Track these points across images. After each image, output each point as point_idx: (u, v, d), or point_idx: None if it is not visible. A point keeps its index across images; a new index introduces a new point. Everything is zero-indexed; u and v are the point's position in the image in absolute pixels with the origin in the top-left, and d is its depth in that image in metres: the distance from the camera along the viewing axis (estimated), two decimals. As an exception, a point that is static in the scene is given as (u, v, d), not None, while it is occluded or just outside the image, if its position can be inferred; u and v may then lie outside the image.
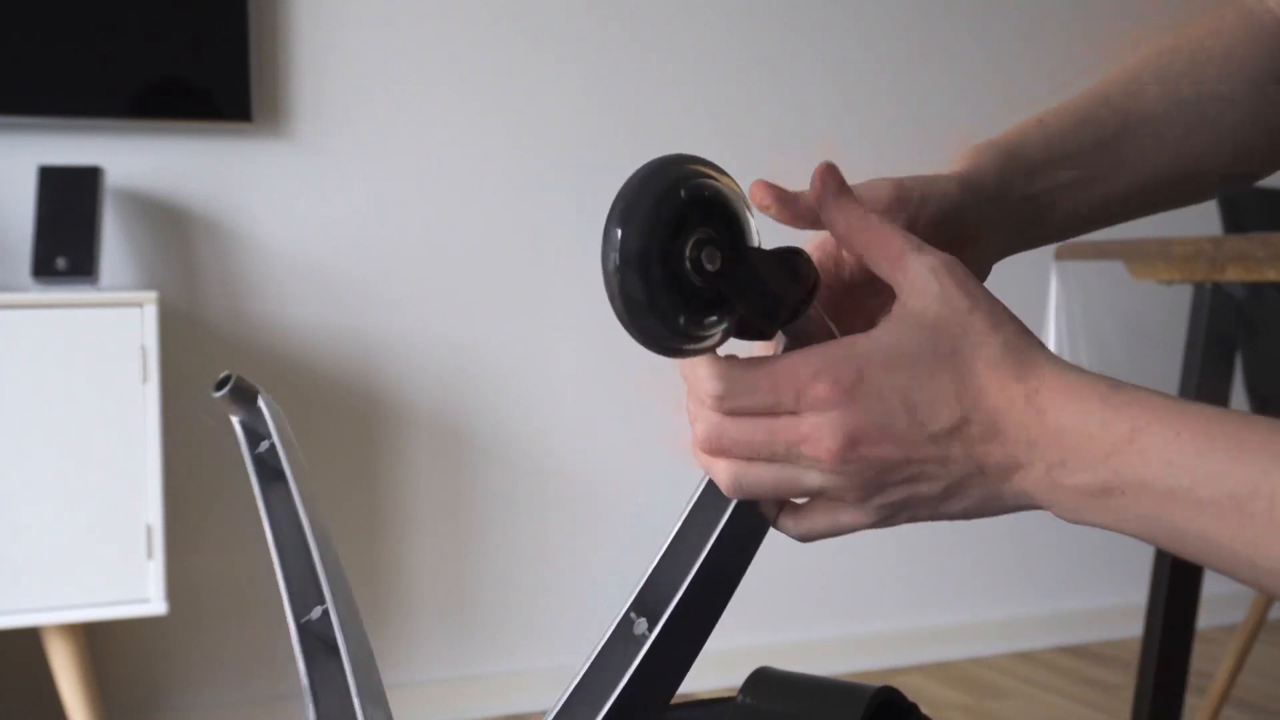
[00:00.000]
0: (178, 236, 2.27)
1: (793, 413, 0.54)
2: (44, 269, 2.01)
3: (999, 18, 2.82)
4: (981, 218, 0.65)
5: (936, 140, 2.75)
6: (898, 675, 2.66)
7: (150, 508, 1.88)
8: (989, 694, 2.56)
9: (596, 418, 2.51)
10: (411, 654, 2.42)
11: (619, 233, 0.51)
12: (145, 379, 1.88)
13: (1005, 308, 0.56)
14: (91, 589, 1.87)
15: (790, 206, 0.60)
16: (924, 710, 0.62)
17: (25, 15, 2.11)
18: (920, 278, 0.54)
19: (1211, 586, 1.90)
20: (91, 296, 1.90)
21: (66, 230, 2.03)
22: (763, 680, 0.63)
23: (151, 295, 1.90)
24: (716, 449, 0.56)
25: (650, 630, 0.53)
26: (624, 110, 2.53)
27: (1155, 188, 0.72)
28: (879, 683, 0.60)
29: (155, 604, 1.89)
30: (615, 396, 2.50)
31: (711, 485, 0.58)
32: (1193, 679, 1.83)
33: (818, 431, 0.53)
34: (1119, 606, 2.89)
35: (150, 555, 1.88)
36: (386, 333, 2.38)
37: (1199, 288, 1.72)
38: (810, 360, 0.54)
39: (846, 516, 0.57)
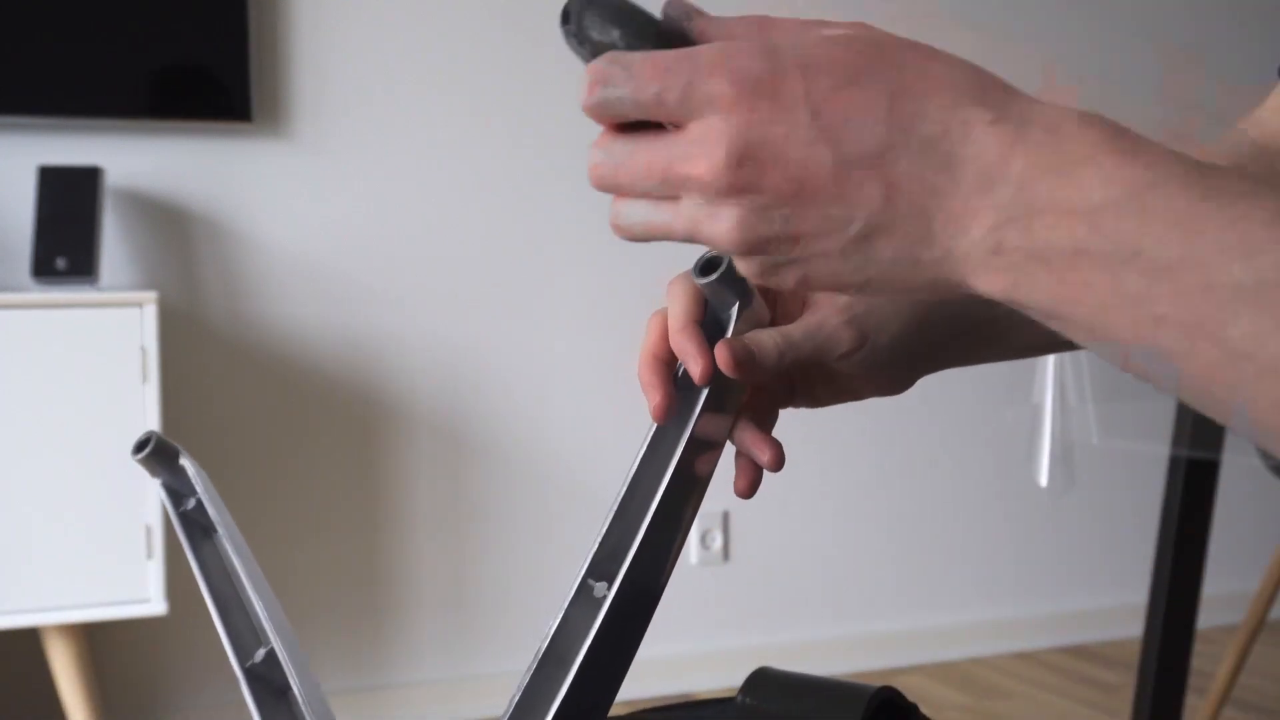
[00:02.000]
0: (178, 236, 2.27)
1: (677, 122, 0.44)
2: (44, 269, 2.01)
3: (997, 15, 2.82)
4: (939, 331, 0.61)
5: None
6: (898, 675, 2.66)
7: (150, 508, 1.88)
8: (989, 694, 2.56)
9: (596, 417, 2.51)
10: (411, 654, 2.42)
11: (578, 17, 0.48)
12: (145, 379, 1.88)
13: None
14: (91, 589, 1.87)
15: (754, 372, 0.57)
16: (924, 710, 0.62)
17: (25, 15, 2.11)
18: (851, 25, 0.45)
19: (1212, 587, 1.90)
20: (91, 296, 1.90)
21: (66, 230, 2.03)
22: (763, 680, 0.63)
23: (151, 295, 1.90)
24: (602, 180, 0.46)
25: (609, 590, 0.55)
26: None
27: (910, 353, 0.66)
28: (879, 683, 0.60)
29: (155, 604, 1.89)
30: (615, 396, 2.50)
31: (653, 444, 0.59)
32: (1193, 679, 1.83)
33: (702, 139, 0.42)
34: (1119, 606, 2.89)
35: (150, 555, 1.88)
36: (386, 333, 2.38)
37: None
38: (713, 49, 0.43)
39: (711, 231, 0.44)
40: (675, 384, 0.59)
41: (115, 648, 2.22)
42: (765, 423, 0.62)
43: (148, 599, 1.89)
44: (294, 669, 0.60)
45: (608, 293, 2.50)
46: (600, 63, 0.45)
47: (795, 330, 0.59)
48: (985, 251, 0.41)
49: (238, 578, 0.64)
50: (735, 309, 0.58)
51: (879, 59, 0.42)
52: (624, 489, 0.59)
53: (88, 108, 2.16)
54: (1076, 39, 2.88)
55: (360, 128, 2.36)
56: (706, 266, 0.56)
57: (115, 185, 2.21)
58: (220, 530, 0.65)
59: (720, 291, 0.57)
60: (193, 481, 0.66)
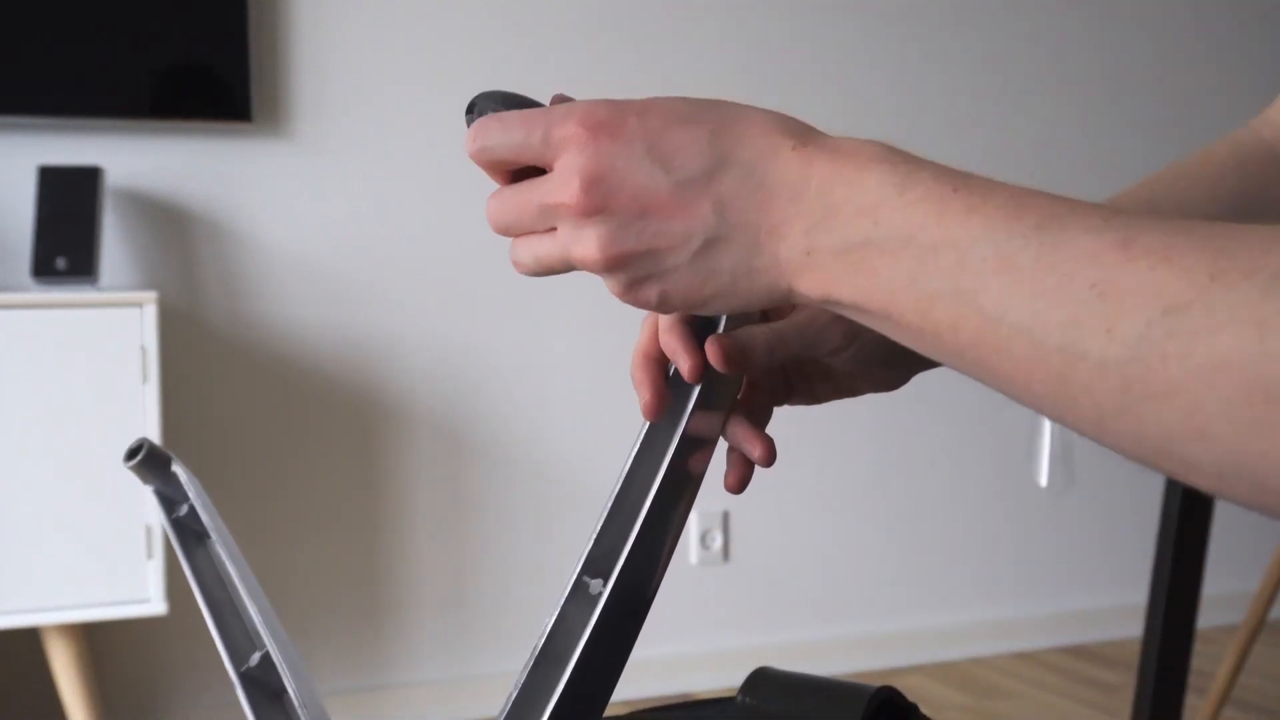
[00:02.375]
0: (178, 236, 2.27)
1: (545, 164, 0.52)
2: (44, 269, 2.01)
3: (997, 15, 2.82)
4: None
5: (936, 138, 2.76)
6: (898, 675, 2.66)
7: (150, 508, 1.88)
8: (989, 694, 2.56)
9: (596, 417, 2.51)
10: (411, 654, 2.42)
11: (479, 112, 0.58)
12: (145, 379, 1.88)
13: None
14: (91, 589, 1.87)
15: (741, 365, 0.58)
16: (924, 710, 0.62)
17: (25, 15, 2.11)
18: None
19: (1212, 587, 1.90)
20: (91, 296, 1.90)
21: (66, 230, 2.03)
22: (763, 680, 0.63)
23: (151, 295, 1.90)
24: (496, 223, 0.55)
25: (605, 587, 0.56)
26: (624, 110, 2.53)
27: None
28: (879, 683, 0.60)
29: (155, 604, 1.89)
30: (615, 396, 2.50)
31: (646, 441, 0.60)
32: (1193, 679, 1.84)
33: (563, 172, 0.51)
34: (1119, 606, 2.89)
35: (150, 555, 1.88)
36: (386, 333, 2.38)
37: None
38: (568, 104, 0.53)
39: (579, 252, 0.52)
40: (667, 382, 0.60)
41: (115, 648, 2.22)
42: (760, 419, 0.63)
43: (148, 599, 1.89)
44: (289, 672, 0.60)
45: (607, 293, 2.50)
46: (481, 120, 0.56)
47: (785, 326, 0.60)
48: (801, 253, 0.48)
49: (231, 582, 0.64)
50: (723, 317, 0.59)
51: (704, 106, 0.52)
52: (618, 487, 0.60)
53: (88, 108, 2.16)
54: (1076, 39, 2.87)
55: (360, 128, 2.36)
56: None
57: (115, 185, 2.21)
58: (213, 536, 0.65)
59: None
60: (185, 488, 0.66)
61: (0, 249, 2.16)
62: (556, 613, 0.58)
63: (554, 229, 0.53)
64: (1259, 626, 2.08)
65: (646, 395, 0.59)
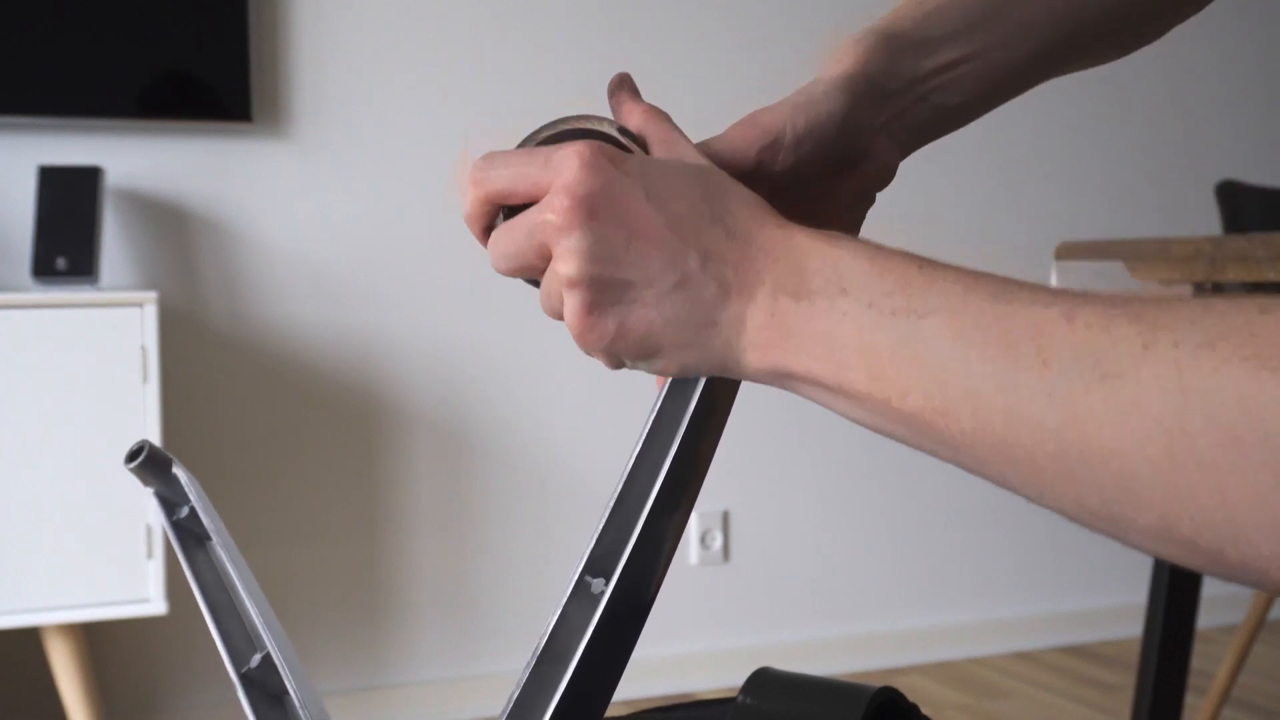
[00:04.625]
0: (178, 236, 2.27)
1: (544, 190, 0.53)
2: (44, 269, 2.01)
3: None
4: (875, 116, 0.63)
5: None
6: (898, 675, 2.66)
7: (151, 508, 1.88)
8: (989, 694, 2.56)
9: (596, 417, 2.51)
10: (411, 654, 2.42)
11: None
12: (145, 379, 1.88)
13: None
14: (91, 589, 1.87)
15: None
16: (924, 710, 0.62)
17: (26, 15, 2.11)
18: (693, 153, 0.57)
19: (1212, 587, 1.90)
20: (91, 296, 1.90)
21: (66, 230, 2.03)
22: (763, 680, 0.63)
23: (151, 295, 1.90)
24: (498, 259, 0.56)
25: (606, 586, 0.56)
26: (624, 110, 2.53)
27: (1049, 55, 0.68)
28: (879, 683, 0.60)
29: (155, 604, 1.89)
30: (615, 396, 2.50)
31: (648, 441, 0.60)
32: (1193, 679, 1.84)
33: (557, 191, 0.52)
34: (1119, 606, 2.89)
35: (150, 555, 1.88)
36: (386, 333, 2.38)
37: (1199, 288, 1.72)
38: (574, 143, 0.53)
39: (563, 268, 0.53)
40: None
41: (115, 648, 2.22)
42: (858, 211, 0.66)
43: (148, 599, 1.89)
44: (290, 673, 0.60)
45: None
46: (485, 154, 0.57)
47: (701, 147, 0.61)
48: (765, 314, 0.50)
49: (232, 584, 0.65)
50: None
51: (700, 171, 0.54)
52: (620, 486, 0.60)
53: (88, 108, 2.16)
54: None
55: (360, 128, 2.36)
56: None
57: (115, 185, 2.21)
58: (214, 538, 0.65)
59: None
60: (185, 490, 0.66)
61: (0, 249, 2.16)
62: (558, 612, 0.58)
63: (545, 247, 0.53)
64: (1259, 626, 2.08)
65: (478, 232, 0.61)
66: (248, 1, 2.22)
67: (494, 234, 0.56)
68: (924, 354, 0.45)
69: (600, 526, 0.59)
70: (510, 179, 0.55)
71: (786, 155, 0.61)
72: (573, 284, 0.52)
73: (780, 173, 0.61)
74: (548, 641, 0.57)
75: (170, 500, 0.67)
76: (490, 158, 0.56)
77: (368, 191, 2.37)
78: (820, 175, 0.63)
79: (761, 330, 0.50)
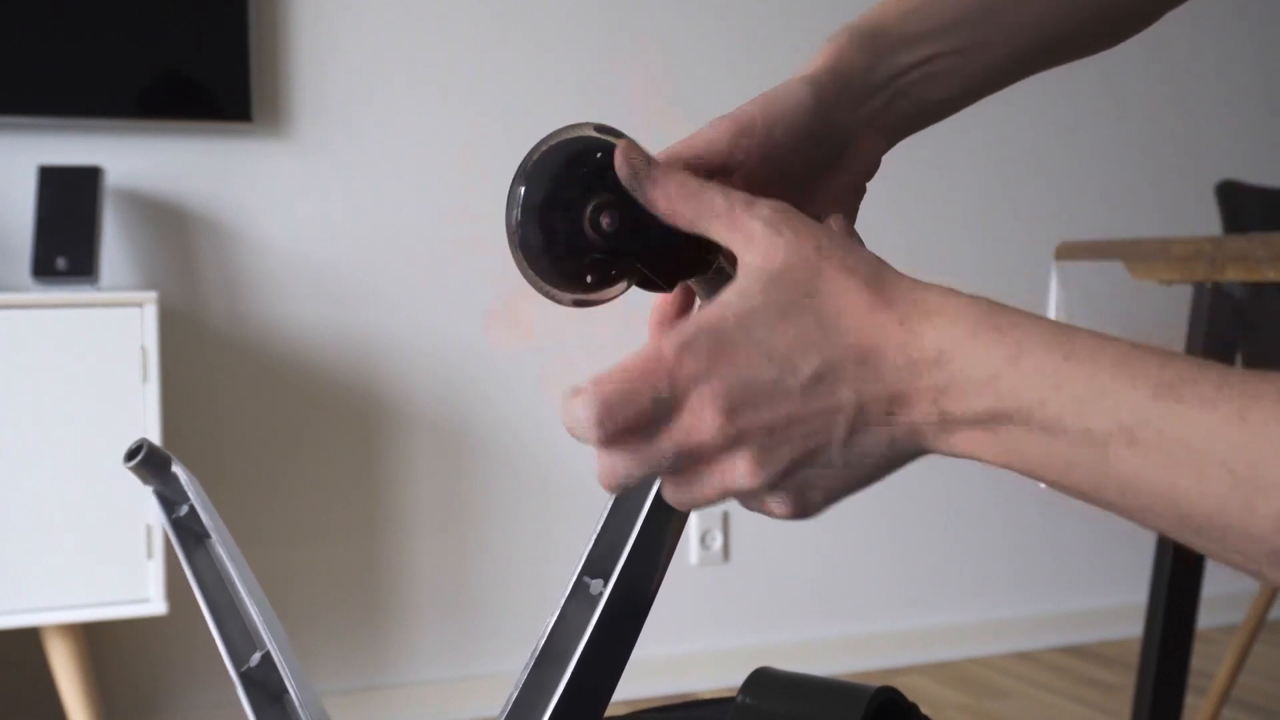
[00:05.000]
0: (178, 236, 2.27)
1: (672, 408, 0.50)
2: (44, 269, 2.01)
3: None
4: (853, 111, 0.63)
5: (936, 139, 2.75)
6: (898, 675, 2.66)
7: (150, 508, 1.87)
8: (989, 694, 2.56)
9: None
10: (411, 654, 2.42)
11: (522, 190, 0.57)
12: (145, 379, 1.88)
13: (853, 242, 0.53)
14: (91, 589, 1.87)
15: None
16: (924, 710, 0.62)
17: (26, 15, 2.11)
18: (758, 233, 0.52)
19: (1211, 587, 1.90)
20: (91, 296, 1.90)
21: (66, 230, 2.03)
22: (763, 680, 0.63)
23: (151, 295, 1.90)
24: (627, 480, 0.52)
25: (605, 587, 0.56)
26: (624, 110, 2.53)
27: (1031, 51, 0.68)
28: (879, 683, 0.60)
29: (155, 604, 1.89)
30: (615, 396, 2.50)
31: None
32: (1193, 679, 1.83)
33: (699, 410, 0.50)
34: (1119, 606, 2.89)
35: (150, 555, 1.88)
36: (386, 333, 2.38)
37: (1199, 288, 1.72)
38: (667, 342, 0.51)
39: (737, 483, 0.51)
40: None
41: (115, 648, 2.22)
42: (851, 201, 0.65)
43: (148, 599, 1.89)
44: (289, 672, 0.60)
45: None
46: (583, 394, 0.51)
47: (676, 147, 0.60)
48: (936, 423, 0.49)
49: (231, 583, 0.64)
50: None
51: (788, 291, 0.51)
52: None
53: (88, 108, 2.16)
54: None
55: (360, 128, 2.36)
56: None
57: (115, 185, 2.21)
58: (213, 536, 0.65)
59: (712, 285, 0.59)
60: (185, 489, 0.66)
61: (0, 249, 2.16)
62: (557, 613, 0.58)
63: (696, 467, 0.51)
64: (1259, 626, 2.08)
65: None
66: (248, 2, 2.22)
67: (615, 457, 0.51)
68: (1101, 460, 0.46)
69: (598, 528, 0.59)
70: (641, 414, 0.50)
71: (759, 143, 0.60)
72: (765, 490, 0.51)
73: (757, 162, 0.60)
74: (546, 642, 0.57)
75: (169, 499, 0.67)
76: (599, 397, 0.50)
77: (368, 191, 2.37)
78: (803, 167, 0.63)
79: (940, 434, 0.50)
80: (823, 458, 0.51)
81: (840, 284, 0.51)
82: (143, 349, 1.88)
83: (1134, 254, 1.64)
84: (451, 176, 2.42)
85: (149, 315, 1.89)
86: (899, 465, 0.52)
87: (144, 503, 1.92)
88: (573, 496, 2.50)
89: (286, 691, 0.60)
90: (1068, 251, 1.82)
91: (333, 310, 2.34)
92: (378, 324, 2.37)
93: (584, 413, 0.50)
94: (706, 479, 0.51)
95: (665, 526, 0.58)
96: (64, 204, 2.04)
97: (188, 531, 0.67)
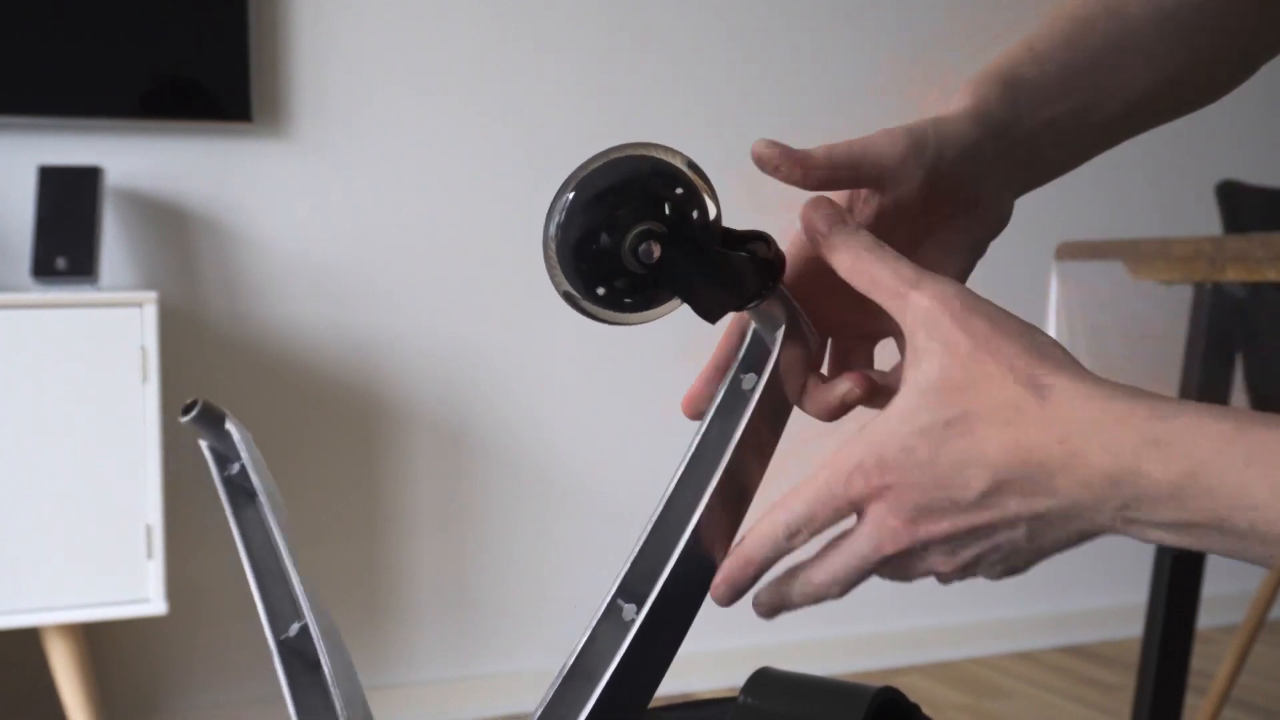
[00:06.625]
0: (178, 236, 2.27)
1: (856, 513, 0.54)
2: (44, 269, 2.01)
3: (1000, 20, 2.82)
4: (996, 155, 0.62)
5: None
6: (898, 675, 2.66)
7: (150, 508, 1.88)
8: (989, 694, 2.56)
9: (597, 417, 2.51)
10: (411, 654, 2.42)
11: (568, 198, 0.54)
12: (145, 379, 1.88)
13: (1014, 325, 0.52)
14: (91, 589, 1.87)
15: (799, 165, 0.57)
16: (925, 711, 0.62)
17: (26, 15, 2.11)
18: (919, 327, 0.53)
19: (1211, 587, 1.90)
20: (91, 296, 1.90)
21: (66, 230, 2.03)
22: (764, 680, 0.63)
23: (151, 295, 1.90)
24: (804, 600, 0.56)
25: (638, 614, 0.54)
26: (624, 110, 2.53)
27: (1146, 107, 0.69)
28: (879, 683, 0.60)
29: (155, 604, 1.89)
30: (615, 396, 2.50)
31: (690, 468, 0.58)
32: (1193, 679, 1.83)
33: (881, 523, 0.53)
34: (1119, 606, 2.89)
35: (150, 555, 1.88)
36: (386, 333, 2.38)
37: (1199, 288, 1.72)
38: (835, 467, 0.54)
39: (935, 569, 0.55)
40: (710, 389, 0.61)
41: (115, 648, 2.22)
42: (861, 356, 0.65)
43: (148, 599, 1.89)
44: (326, 646, 0.59)
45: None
46: (764, 526, 0.56)
47: (838, 146, 0.59)
48: (1122, 523, 0.50)
49: (277, 548, 0.64)
50: (782, 331, 0.58)
51: (951, 397, 0.51)
52: (660, 509, 0.57)
53: (88, 108, 2.16)
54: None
55: (360, 128, 2.36)
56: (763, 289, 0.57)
57: (115, 185, 2.21)
58: (263, 498, 0.64)
59: (765, 315, 0.58)
60: (238, 446, 0.65)
61: (0, 249, 2.15)
62: (587, 633, 0.55)
63: (892, 564, 0.54)
64: (1259, 626, 2.08)
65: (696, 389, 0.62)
66: (248, 2, 2.22)
67: (819, 569, 0.56)
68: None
69: (636, 549, 0.56)
70: (817, 527, 0.55)
71: (926, 165, 0.59)
72: (957, 579, 0.54)
73: (918, 187, 0.59)
74: (575, 662, 0.55)
75: (223, 455, 0.66)
76: (790, 528, 0.56)
77: (368, 191, 2.37)
78: (950, 205, 0.62)
79: (1124, 528, 0.50)
80: (1008, 544, 0.52)
81: (997, 400, 0.51)
82: (142, 349, 1.88)
83: (1134, 254, 1.64)
84: (451, 176, 2.42)
85: (149, 315, 1.89)
86: (1079, 543, 0.53)
87: (144, 502, 1.92)
88: (573, 496, 2.50)
89: (320, 666, 0.59)
90: (1068, 251, 1.82)
91: (333, 310, 2.34)
92: (378, 324, 2.37)
93: (765, 549, 0.55)
94: (909, 569, 0.54)
95: (709, 553, 0.56)
96: (64, 204, 2.04)
97: (238, 489, 0.66)
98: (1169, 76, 0.68)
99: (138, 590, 1.88)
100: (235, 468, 0.66)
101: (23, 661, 2.11)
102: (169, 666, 2.26)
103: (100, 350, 1.88)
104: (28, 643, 2.04)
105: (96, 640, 2.17)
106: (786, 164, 0.57)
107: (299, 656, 0.59)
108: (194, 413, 0.64)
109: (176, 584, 1.93)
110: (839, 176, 0.59)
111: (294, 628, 0.60)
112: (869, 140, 0.59)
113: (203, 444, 0.66)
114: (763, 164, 0.57)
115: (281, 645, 0.59)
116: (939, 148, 0.59)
